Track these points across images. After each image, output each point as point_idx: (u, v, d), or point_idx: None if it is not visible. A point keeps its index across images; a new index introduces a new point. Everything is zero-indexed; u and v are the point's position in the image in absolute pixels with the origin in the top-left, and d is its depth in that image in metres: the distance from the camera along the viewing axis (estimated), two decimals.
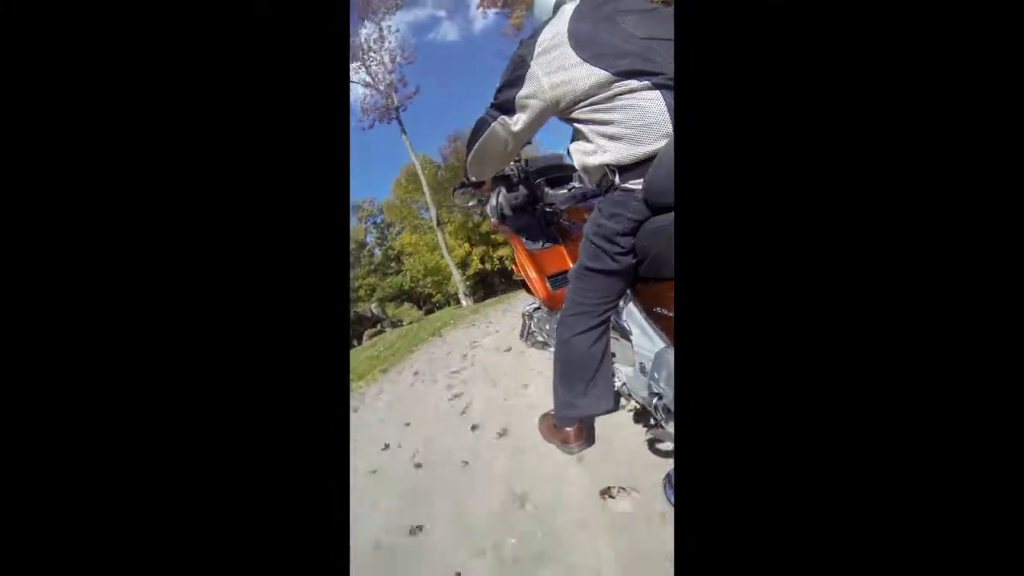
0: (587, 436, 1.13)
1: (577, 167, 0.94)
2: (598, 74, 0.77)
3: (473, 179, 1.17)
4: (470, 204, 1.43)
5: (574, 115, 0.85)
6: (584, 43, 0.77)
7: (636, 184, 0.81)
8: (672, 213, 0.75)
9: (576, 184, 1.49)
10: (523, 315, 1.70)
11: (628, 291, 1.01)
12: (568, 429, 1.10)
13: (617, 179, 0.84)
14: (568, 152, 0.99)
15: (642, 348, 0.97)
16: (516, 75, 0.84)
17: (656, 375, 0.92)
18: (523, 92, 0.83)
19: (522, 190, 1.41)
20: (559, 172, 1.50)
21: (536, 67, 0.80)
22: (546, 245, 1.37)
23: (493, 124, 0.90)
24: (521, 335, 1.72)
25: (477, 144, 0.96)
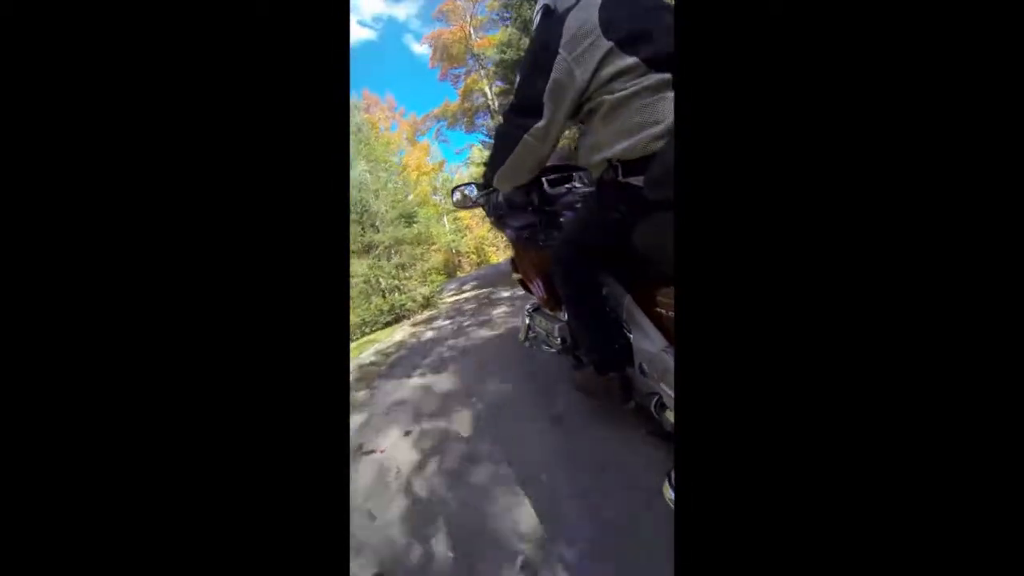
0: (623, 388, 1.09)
1: (582, 162, 0.93)
2: (627, 60, 0.75)
3: (499, 188, 1.16)
4: (469, 204, 1.43)
5: (591, 106, 0.82)
6: (615, 29, 0.76)
7: (637, 181, 0.80)
8: (671, 212, 0.75)
9: (576, 184, 1.48)
10: (523, 315, 1.70)
11: (628, 292, 1.01)
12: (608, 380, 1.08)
13: (619, 175, 0.83)
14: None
15: (642, 348, 0.97)
16: (540, 63, 0.79)
17: (656, 375, 0.92)
18: (551, 82, 0.79)
19: (522, 190, 1.41)
20: (559, 172, 1.49)
21: (564, 52, 0.77)
22: (546, 244, 1.36)
23: (524, 138, 0.85)
24: (521, 335, 1.72)
25: (508, 161, 0.91)
